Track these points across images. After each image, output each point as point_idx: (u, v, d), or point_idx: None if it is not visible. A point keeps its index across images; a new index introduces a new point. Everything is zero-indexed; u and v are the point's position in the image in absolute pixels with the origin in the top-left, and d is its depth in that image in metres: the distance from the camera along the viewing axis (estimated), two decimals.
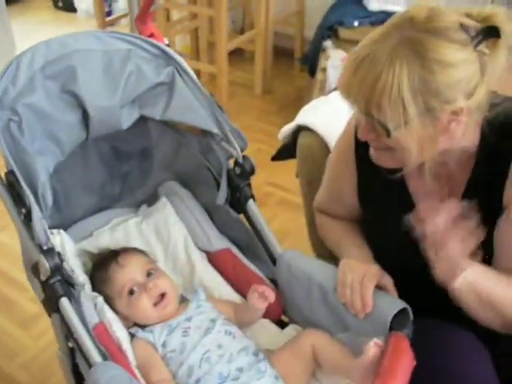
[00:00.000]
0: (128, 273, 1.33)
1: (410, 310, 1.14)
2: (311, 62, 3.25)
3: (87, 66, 1.26)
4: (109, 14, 4.19)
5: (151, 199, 1.58)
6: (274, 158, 2.02)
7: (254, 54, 3.67)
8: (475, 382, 1.15)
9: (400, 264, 1.22)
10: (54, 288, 1.16)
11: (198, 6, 3.52)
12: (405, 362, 1.07)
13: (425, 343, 1.19)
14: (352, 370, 1.12)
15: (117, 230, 1.51)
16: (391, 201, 1.28)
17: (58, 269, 1.15)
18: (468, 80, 1.01)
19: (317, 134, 1.74)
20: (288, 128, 1.90)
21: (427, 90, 0.99)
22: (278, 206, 2.80)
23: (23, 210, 1.16)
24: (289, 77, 3.93)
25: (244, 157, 1.38)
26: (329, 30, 3.09)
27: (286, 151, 1.93)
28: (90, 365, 1.14)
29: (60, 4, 5.18)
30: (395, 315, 1.13)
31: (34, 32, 4.34)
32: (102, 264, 1.38)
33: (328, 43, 3.06)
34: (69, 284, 1.20)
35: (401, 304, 1.15)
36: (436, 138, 1.05)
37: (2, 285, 2.34)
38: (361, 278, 1.17)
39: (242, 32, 3.92)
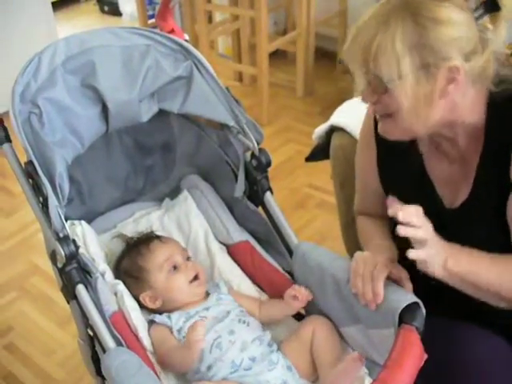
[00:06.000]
0: (171, 249, 1.40)
1: (421, 303, 1.13)
2: None
3: (106, 61, 1.30)
4: (152, 16, 4.27)
5: (174, 192, 1.61)
6: (308, 159, 2.02)
7: (296, 55, 3.66)
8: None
9: None
10: (70, 275, 1.20)
11: (239, 8, 3.55)
12: (413, 356, 1.05)
13: (441, 341, 1.20)
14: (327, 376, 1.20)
15: (140, 222, 1.55)
16: (411, 185, 1.29)
17: (73, 256, 1.18)
18: (464, 41, 1.05)
19: (350, 135, 1.73)
20: (321, 128, 1.90)
21: (421, 45, 1.03)
22: (318, 208, 2.80)
23: (41, 199, 1.21)
24: (331, 78, 3.91)
25: (260, 149, 1.38)
26: None
27: (320, 152, 1.93)
28: (104, 351, 1.17)
29: (106, 8, 5.34)
30: (406, 308, 1.11)
31: None
32: (142, 240, 1.44)
33: None
34: (86, 272, 1.23)
35: (411, 297, 1.12)
36: (433, 98, 1.07)
37: (42, 283, 2.43)
38: (372, 269, 1.16)
39: (284, 33, 3.93)
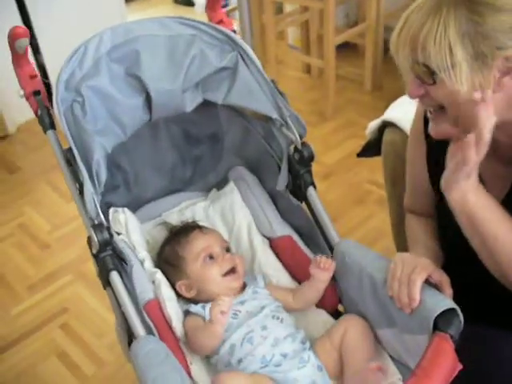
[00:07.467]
0: (209, 239, 1.39)
1: (458, 310, 1.07)
2: None
3: (151, 51, 1.31)
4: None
5: (222, 183, 1.60)
6: (360, 155, 1.98)
7: (365, 48, 3.59)
8: None
9: (464, 252, 1.17)
10: (104, 261, 1.21)
11: None
12: (444, 365, 1.00)
13: (478, 352, 1.16)
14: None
15: (185, 212, 1.55)
16: None
17: (107, 243, 1.20)
18: None
19: (401, 130, 1.68)
20: (374, 124, 1.86)
21: (476, 32, 0.97)
22: (377, 205, 2.73)
23: (78, 186, 1.23)
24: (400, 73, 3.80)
25: (303, 143, 1.35)
26: None
27: (372, 148, 1.89)
28: (135, 338, 1.18)
29: None
30: (442, 314, 1.06)
31: None
32: (183, 229, 1.44)
33: None
34: (121, 259, 1.24)
35: (449, 303, 1.07)
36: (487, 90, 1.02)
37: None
38: (410, 271, 1.12)
39: (355, 26, 3.85)
